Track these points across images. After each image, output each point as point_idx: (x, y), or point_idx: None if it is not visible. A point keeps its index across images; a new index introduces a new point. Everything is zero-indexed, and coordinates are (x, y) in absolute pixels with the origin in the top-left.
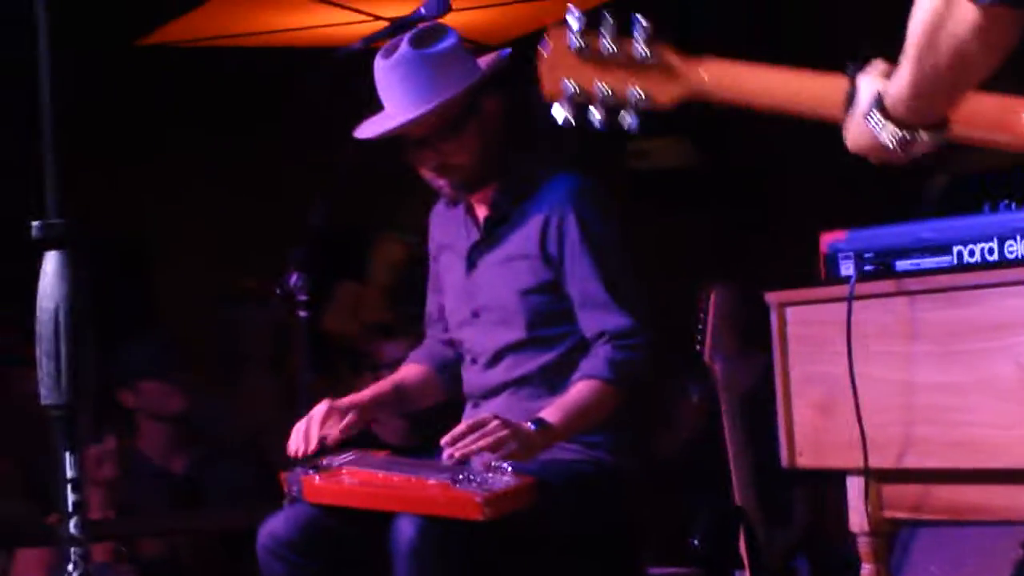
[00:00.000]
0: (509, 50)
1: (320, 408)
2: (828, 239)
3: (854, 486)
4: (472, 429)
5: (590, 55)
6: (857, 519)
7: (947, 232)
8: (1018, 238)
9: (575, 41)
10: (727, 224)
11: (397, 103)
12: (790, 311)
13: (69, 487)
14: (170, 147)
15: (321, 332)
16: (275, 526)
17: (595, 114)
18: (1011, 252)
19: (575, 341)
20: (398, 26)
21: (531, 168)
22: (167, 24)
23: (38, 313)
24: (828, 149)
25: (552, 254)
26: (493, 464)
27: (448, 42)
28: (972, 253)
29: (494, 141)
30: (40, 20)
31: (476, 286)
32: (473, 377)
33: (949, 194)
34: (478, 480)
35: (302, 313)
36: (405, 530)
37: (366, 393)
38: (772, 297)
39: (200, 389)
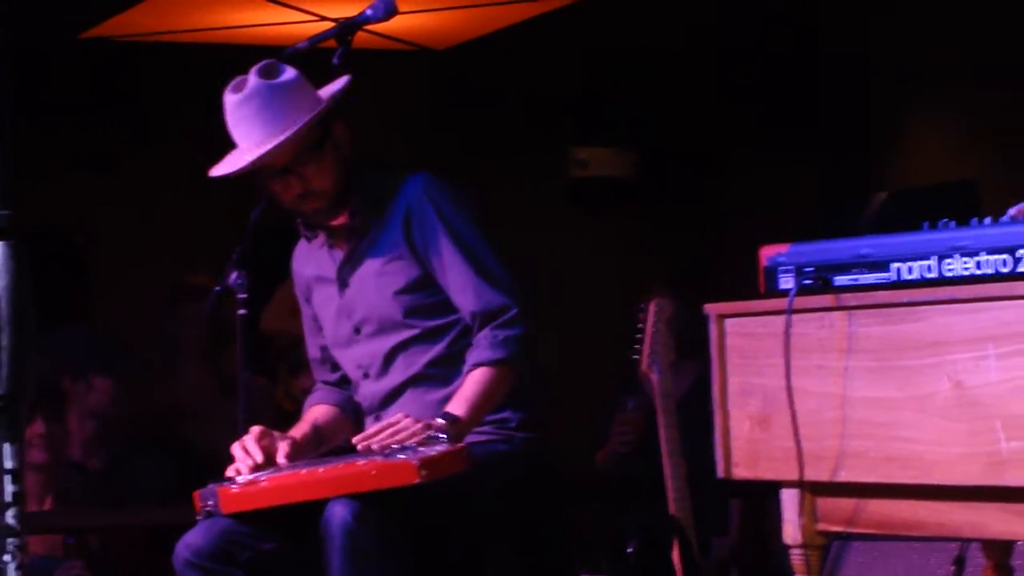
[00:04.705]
0: (348, 77)
1: (255, 430)
2: (768, 252)
3: (789, 498)
4: (384, 428)
5: None
6: (791, 531)
7: (886, 249)
8: (956, 256)
9: None
10: (665, 234)
11: (255, 134)
12: (729, 323)
13: (8, 478)
14: (109, 142)
15: (259, 331)
16: (193, 539)
17: None
18: (949, 270)
19: (460, 330)
20: (345, 27)
21: (379, 180)
22: (111, 17)
23: None
24: (769, 163)
25: (418, 247)
26: (430, 435)
27: (292, 73)
28: (911, 270)
29: (347, 162)
30: None
31: (352, 303)
32: (368, 390)
33: (889, 209)
34: (411, 449)
35: (241, 311)
36: (339, 514)
37: (294, 432)
38: (711, 308)
39: (132, 382)
